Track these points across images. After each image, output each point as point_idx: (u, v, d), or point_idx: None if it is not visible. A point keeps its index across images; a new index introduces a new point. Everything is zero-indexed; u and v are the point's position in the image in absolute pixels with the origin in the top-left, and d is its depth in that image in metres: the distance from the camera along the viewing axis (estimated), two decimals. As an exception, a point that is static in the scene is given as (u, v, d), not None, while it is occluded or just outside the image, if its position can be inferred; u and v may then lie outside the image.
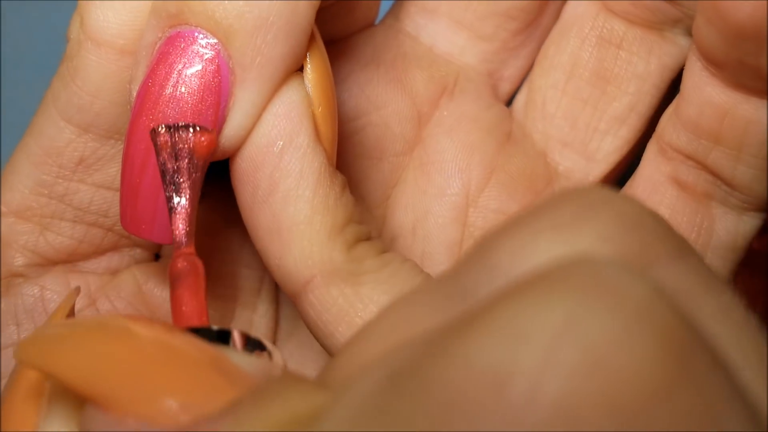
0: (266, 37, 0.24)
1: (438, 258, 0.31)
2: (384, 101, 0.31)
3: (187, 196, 0.24)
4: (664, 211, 0.30)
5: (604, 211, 0.17)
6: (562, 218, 0.17)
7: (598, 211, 0.17)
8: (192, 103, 0.24)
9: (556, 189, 0.32)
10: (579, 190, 0.17)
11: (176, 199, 0.24)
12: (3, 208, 0.27)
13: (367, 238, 0.26)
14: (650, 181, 0.30)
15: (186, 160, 0.24)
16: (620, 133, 0.31)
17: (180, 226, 0.24)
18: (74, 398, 0.19)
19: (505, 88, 0.33)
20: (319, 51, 0.25)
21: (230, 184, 0.26)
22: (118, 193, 0.27)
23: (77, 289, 0.22)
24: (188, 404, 0.17)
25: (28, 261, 0.28)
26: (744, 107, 0.27)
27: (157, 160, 0.24)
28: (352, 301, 0.25)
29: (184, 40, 0.24)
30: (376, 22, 0.31)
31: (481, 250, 0.17)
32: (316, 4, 0.25)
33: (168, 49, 0.24)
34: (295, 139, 0.25)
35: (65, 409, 0.19)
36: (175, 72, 0.24)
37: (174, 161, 0.24)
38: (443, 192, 0.31)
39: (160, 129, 0.24)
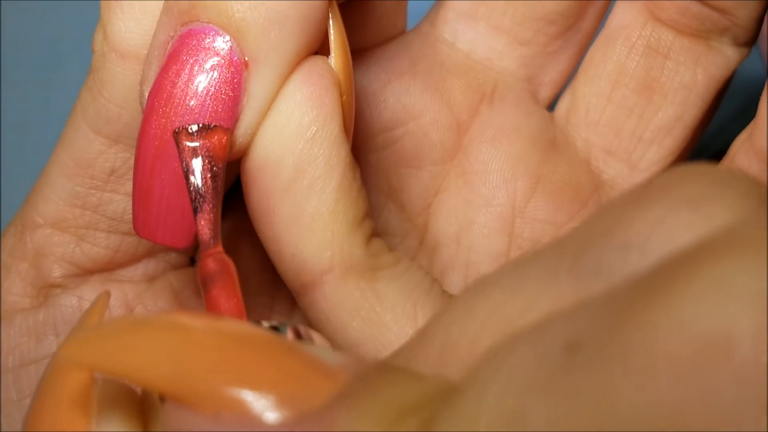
0: (281, 31, 0.23)
1: (484, 268, 0.30)
2: (421, 110, 0.30)
3: (210, 197, 0.23)
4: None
5: (731, 188, 0.16)
6: (692, 193, 0.16)
7: (726, 187, 0.16)
8: (205, 103, 0.24)
9: (602, 198, 0.31)
10: (697, 169, 0.17)
11: (200, 201, 0.23)
12: (39, 220, 0.28)
13: (378, 234, 0.26)
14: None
15: (207, 160, 0.23)
16: (665, 143, 0.31)
17: (205, 226, 0.23)
18: (127, 401, 0.18)
19: (546, 93, 0.32)
20: (341, 36, 0.25)
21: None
22: None
23: (107, 293, 0.21)
24: (286, 398, 0.16)
25: (65, 272, 0.28)
26: None
27: (180, 160, 0.23)
28: (367, 296, 0.25)
29: (195, 37, 0.24)
30: (409, 28, 0.31)
31: (602, 228, 0.16)
32: None
33: (179, 47, 0.24)
34: (328, 126, 0.24)
35: (119, 413, 0.18)
36: (186, 70, 0.24)
37: (194, 162, 0.23)
38: (488, 203, 0.31)
39: (178, 129, 0.23)
